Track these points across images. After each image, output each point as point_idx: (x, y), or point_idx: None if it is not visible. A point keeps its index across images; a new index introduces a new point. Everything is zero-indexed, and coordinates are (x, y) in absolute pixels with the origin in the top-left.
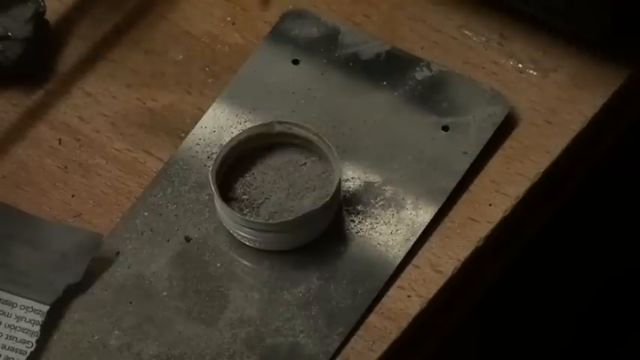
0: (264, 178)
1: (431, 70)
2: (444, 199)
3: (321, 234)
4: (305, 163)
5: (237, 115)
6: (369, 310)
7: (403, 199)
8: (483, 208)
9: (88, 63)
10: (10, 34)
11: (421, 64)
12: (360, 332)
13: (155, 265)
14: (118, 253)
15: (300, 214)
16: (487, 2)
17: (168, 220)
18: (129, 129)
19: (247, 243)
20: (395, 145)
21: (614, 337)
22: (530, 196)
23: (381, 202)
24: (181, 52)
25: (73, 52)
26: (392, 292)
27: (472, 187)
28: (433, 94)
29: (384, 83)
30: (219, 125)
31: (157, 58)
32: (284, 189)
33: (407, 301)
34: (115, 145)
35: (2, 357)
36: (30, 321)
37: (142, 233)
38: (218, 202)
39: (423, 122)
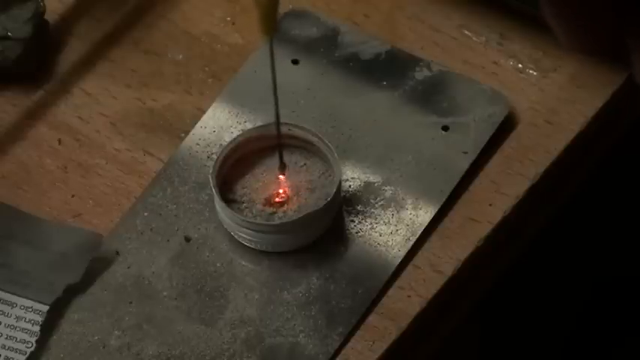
0: (264, 180)
1: (431, 70)
2: (444, 199)
3: (321, 234)
4: (305, 164)
5: (237, 115)
6: (369, 310)
7: (403, 199)
8: (483, 208)
9: (88, 63)
10: (10, 34)
11: (421, 64)
12: (360, 332)
13: (155, 265)
14: (117, 253)
15: (301, 215)
16: (487, 2)
17: (168, 220)
18: (129, 129)
19: (247, 244)
20: (395, 145)
21: (614, 337)
22: (530, 196)
23: (381, 202)
24: (181, 52)
25: (73, 52)
26: (392, 292)
27: (472, 187)
28: (433, 94)
29: (384, 83)
30: (219, 125)
31: (157, 58)
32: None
33: (407, 301)
34: (114, 145)
35: (2, 357)
36: (30, 321)
37: (141, 233)
38: (218, 204)
39: (423, 122)
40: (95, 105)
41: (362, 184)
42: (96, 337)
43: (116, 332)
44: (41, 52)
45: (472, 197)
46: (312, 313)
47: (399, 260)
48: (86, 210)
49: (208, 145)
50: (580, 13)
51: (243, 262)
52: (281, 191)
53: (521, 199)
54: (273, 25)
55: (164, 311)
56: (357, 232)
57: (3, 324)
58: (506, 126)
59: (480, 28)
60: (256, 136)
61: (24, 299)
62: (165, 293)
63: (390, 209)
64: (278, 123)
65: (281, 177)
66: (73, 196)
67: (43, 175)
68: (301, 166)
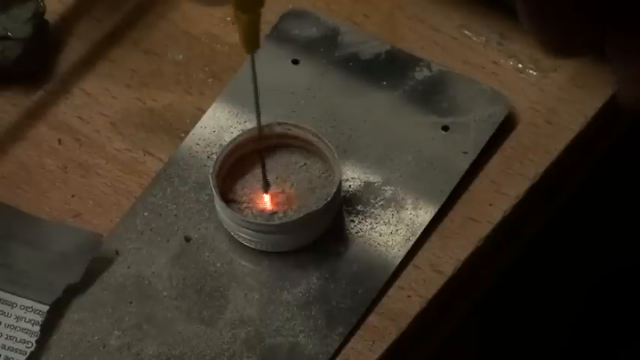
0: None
1: (431, 70)
2: (444, 199)
3: (321, 234)
4: (305, 164)
5: (237, 115)
6: (369, 310)
7: (403, 199)
8: (483, 208)
9: (88, 63)
10: (10, 34)
11: (421, 64)
12: (360, 332)
13: (155, 265)
14: (117, 253)
15: (301, 215)
16: (487, 2)
17: (168, 220)
18: (129, 129)
19: (247, 244)
20: (395, 145)
21: (615, 337)
22: (530, 196)
23: (381, 202)
24: (181, 52)
25: (73, 52)
26: (392, 292)
27: (472, 187)
28: (433, 94)
29: (384, 83)
30: (219, 125)
31: (157, 58)
32: (284, 190)
33: (407, 301)
34: (114, 145)
35: (2, 357)
36: (30, 321)
37: (141, 233)
38: (218, 204)
39: (423, 122)
40: (95, 105)
41: (362, 184)
42: (96, 337)
43: (116, 332)
44: (41, 52)
45: (472, 197)
46: (312, 313)
47: (399, 260)
48: (86, 210)
49: (208, 145)
50: (553, 16)
51: (243, 262)
52: (281, 191)
53: (521, 199)
54: (255, 42)
55: (164, 311)
56: (357, 232)
57: (3, 324)
58: (506, 126)
59: (480, 28)
60: (256, 136)
61: (24, 299)
62: (165, 293)
63: (390, 209)
64: (261, 136)
65: (265, 195)
66: (73, 196)
67: (43, 175)
68: (301, 166)
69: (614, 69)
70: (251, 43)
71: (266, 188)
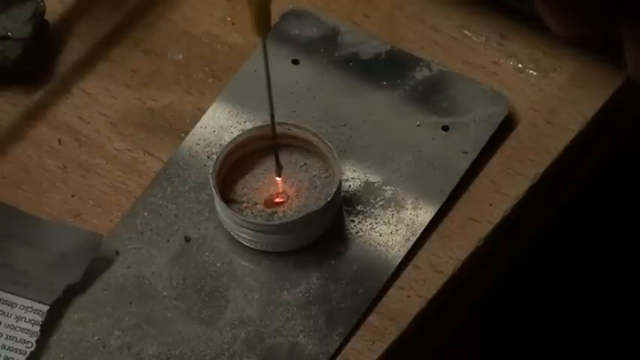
0: (264, 180)
1: (431, 70)
2: (444, 199)
3: (321, 234)
4: (305, 164)
5: (237, 115)
6: (369, 310)
7: (403, 199)
8: (483, 208)
9: (87, 63)
10: (10, 34)
11: (421, 64)
12: (360, 332)
13: (155, 265)
14: (117, 253)
15: (301, 215)
16: (487, 2)
17: (168, 220)
18: (129, 129)
19: (247, 244)
20: (395, 145)
21: (615, 337)
22: (530, 196)
23: (381, 202)
24: (181, 52)
25: (73, 52)
26: (392, 292)
27: (472, 187)
28: (433, 94)
29: (384, 83)
30: (219, 125)
31: (157, 58)
32: (284, 190)
33: (407, 301)
34: (114, 145)
35: (2, 357)
36: (30, 321)
37: (141, 233)
38: (218, 204)
39: (423, 122)
40: (95, 105)
41: (362, 184)
42: (96, 337)
43: (116, 332)
44: (41, 52)
45: (472, 197)
46: (312, 313)
47: (399, 260)
48: (86, 210)
49: (208, 145)
50: (572, 7)
51: (243, 262)
52: (281, 191)
53: (521, 199)
54: (266, 25)
55: (164, 311)
56: (357, 232)
57: (3, 324)
58: (506, 126)
59: (480, 28)
60: (256, 136)
61: (24, 299)
62: (165, 293)
63: (390, 209)
64: (273, 123)
65: (278, 179)
66: (73, 196)
67: (43, 175)
68: (301, 166)
69: (628, 50)
70: (262, 24)
71: (279, 172)
